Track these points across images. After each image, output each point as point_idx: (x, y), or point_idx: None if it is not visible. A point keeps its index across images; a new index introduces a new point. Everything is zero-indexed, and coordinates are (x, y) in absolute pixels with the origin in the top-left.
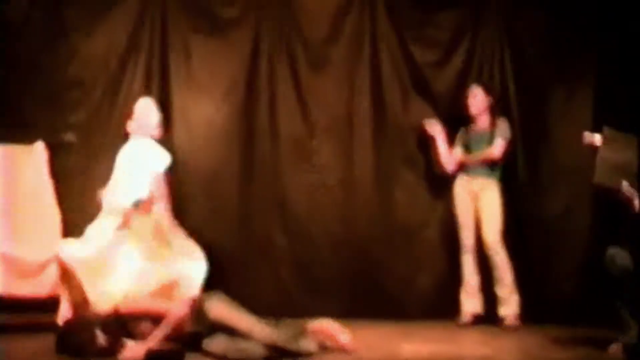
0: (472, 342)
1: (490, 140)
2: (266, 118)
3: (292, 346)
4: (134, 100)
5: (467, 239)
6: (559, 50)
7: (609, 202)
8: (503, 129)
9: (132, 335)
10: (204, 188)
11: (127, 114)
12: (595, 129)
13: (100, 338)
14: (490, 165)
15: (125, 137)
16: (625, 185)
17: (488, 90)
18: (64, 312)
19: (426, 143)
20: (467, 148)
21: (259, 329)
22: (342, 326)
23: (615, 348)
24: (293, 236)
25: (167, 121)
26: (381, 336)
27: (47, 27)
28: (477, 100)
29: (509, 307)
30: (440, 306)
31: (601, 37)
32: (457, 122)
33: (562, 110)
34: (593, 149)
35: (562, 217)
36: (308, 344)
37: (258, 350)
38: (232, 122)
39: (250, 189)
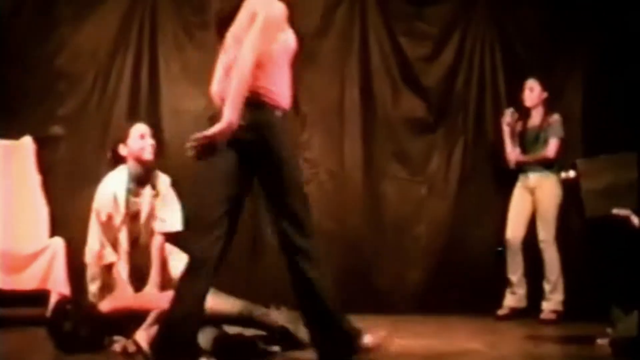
0: (462, 337)
1: (543, 139)
2: None
3: (293, 330)
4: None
5: (510, 235)
6: (548, 45)
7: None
8: (556, 127)
9: (121, 332)
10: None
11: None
12: (584, 122)
13: (83, 331)
14: (546, 164)
15: None
16: (615, 210)
17: (544, 85)
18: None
19: (416, 137)
20: (522, 147)
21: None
22: None
23: (601, 342)
24: None
25: (156, 114)
26: (371, 330)
27: (36, 19)
28: (534, 93)
29: (549, 302)
30: (430, 301)
31: (591, 31)
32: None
33: (552, 105)
34: (573, 183)
35: None
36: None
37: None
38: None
39: None
